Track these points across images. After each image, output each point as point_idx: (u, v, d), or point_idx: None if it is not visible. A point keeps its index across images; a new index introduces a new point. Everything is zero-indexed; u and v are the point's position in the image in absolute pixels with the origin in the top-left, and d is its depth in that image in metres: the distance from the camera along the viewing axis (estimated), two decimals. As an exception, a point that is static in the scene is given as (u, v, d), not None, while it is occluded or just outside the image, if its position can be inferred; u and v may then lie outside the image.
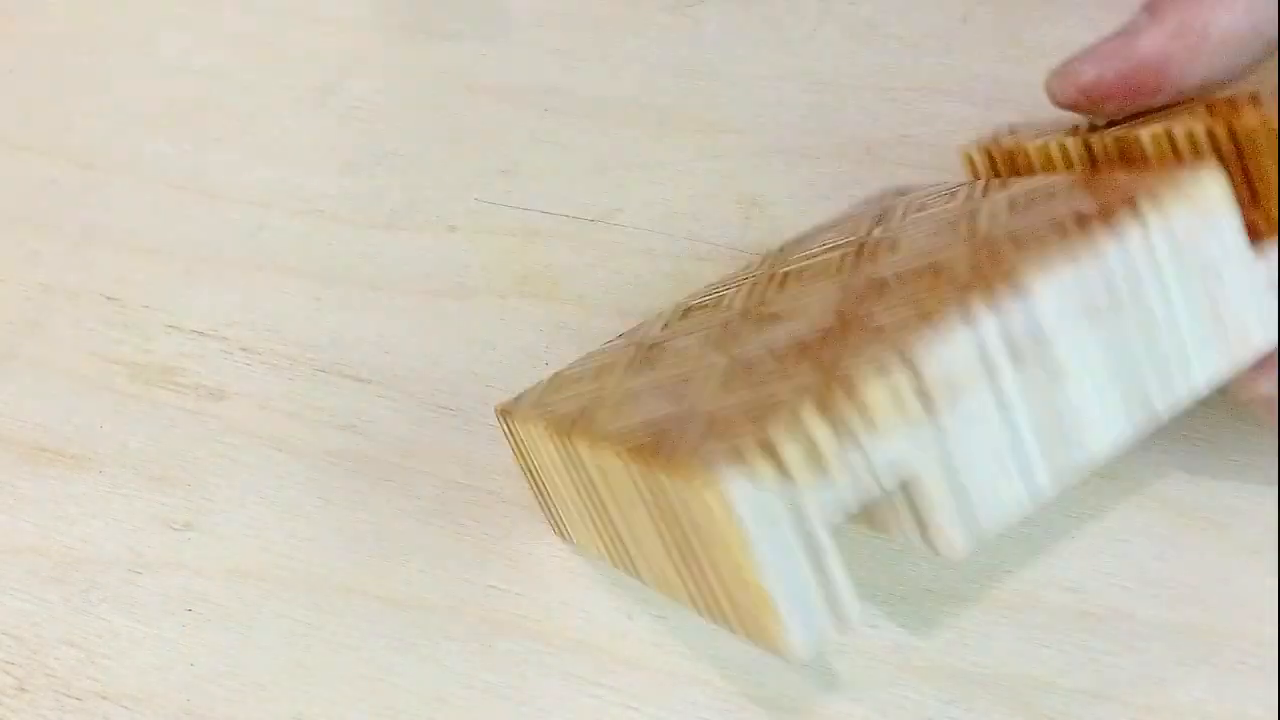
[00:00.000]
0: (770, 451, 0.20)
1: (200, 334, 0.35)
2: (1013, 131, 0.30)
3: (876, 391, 0.21)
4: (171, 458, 0.34)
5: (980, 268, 0.23)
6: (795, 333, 0.25)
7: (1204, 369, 0.24)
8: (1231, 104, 0.24)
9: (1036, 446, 0.23)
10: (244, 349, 0.35)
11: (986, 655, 0.28)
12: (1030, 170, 0.29)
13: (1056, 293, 0.22)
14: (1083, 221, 0.23)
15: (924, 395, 0.21)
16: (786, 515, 0.21)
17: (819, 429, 0.21)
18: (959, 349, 0.22)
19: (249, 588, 0.31)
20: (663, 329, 0.29)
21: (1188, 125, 0.25)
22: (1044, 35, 0.40)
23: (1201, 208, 0.23)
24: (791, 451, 0.20)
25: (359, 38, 0.39)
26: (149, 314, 0.36)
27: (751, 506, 0.20)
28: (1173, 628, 0.28)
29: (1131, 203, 0.23)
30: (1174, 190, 0.23)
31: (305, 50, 0.39)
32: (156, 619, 0.31)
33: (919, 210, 0.29)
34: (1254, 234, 0.24)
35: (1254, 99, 0.24)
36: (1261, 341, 0.24)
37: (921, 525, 0.22)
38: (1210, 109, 0.25)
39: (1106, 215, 0.23)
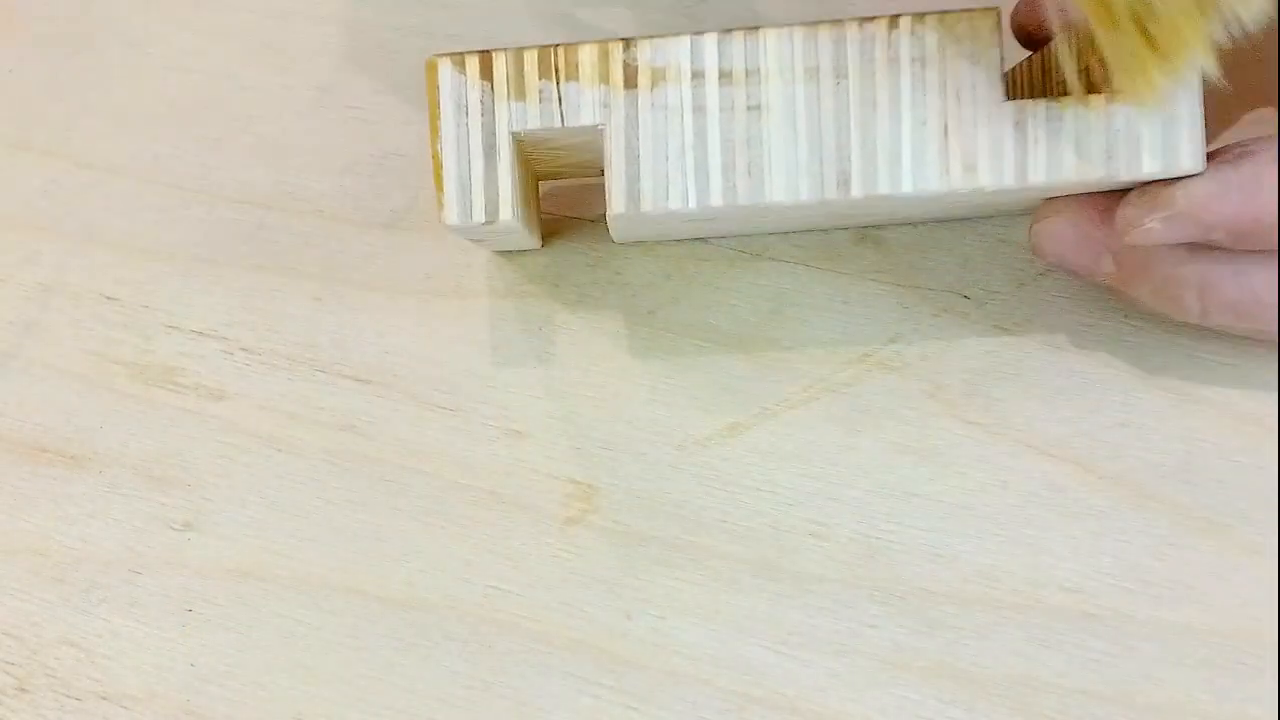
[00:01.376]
0: (486, 61, 0.27)
1: (200, 334, 0.35)
2: None
3: (589, 51, 0.26)
4: (171, 458, 0.34)
5: None
6: None
7: (916, 176, 0.26)
8: None
9: (719, 161, 0.26)
10: (244, 349, 0.35)
11: (986, 655, 0.28)
12: None
13: (781, 42, 0.26)
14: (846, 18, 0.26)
15: (629, 68, 0.26)
16: (479, 110, 0.27)
17: (531, 60, 0.26)
18: (675, 46, 0.26)
19: (249, 588, 0.31)
20: None
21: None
22: (1044, 35, 0.40)
23: (960, 34, 0.25)
24: (500, 65, 0.26)
25: (359, 38, 0.39)
26: (149, 314, 0.36)
27: (450, 89, 0.27)
28: (1173, 628, 0.28)
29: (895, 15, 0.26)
30: (939, 14, 0.26)
31: (305, 50, 0.39)
32: (156, 619, 0.31)
33: None
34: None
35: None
36: (989, 180, 0.25)
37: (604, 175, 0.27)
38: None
39: (869, 18, 0.26)
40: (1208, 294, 0.27)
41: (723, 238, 0.33)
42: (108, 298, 0.36)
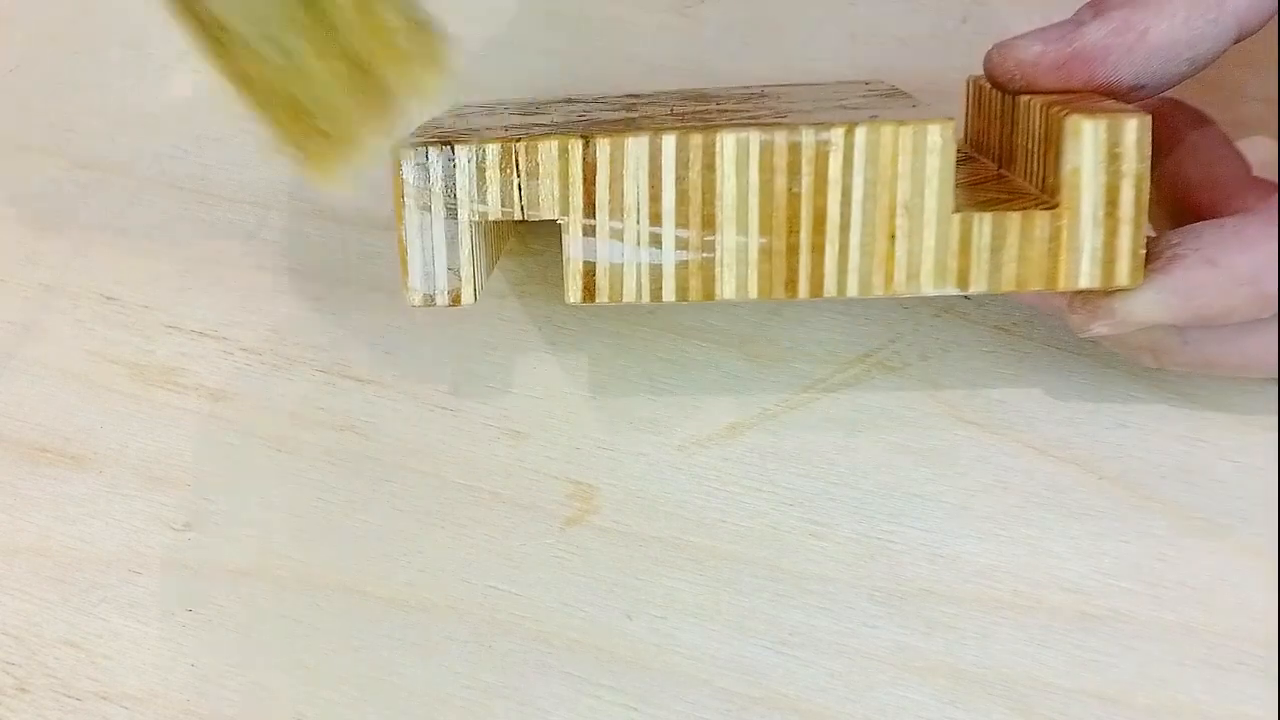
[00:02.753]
0: (449, 153, 0.27)
1: (200, 334, 0.35)
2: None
3: (549, 147, 0.26)
4: (171, 458, 0.34)
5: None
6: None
7: (861, 282, 0.26)
8: (1109, 112, 0.26)
9: (673, 260, 0.27)
10: (244, 349, 0.35)
11: (986, 655, 0.28)
12: None
13: (738, 146, 0.26)
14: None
15: (589, 165, 0.26)
16: (441, 201, 0.27)
17: (493, 154, 0.27)
18: (633, 145, 0.26)
19: (249, 588, 0.31)
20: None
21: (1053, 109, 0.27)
22: (1044, 35, 0.40)
23: (915, 145, 0.25)
24: (462, 157, 0.27)
25: (359, 38, 0.39)
26: (149, 314, 0.36)
27: (414, 180, 0.27)
28: (1173, 628, 0.28)
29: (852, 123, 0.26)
30: (897, 123, 0.26)
31: (305, 50, 0.39)
32: (156, 619, 0.31)
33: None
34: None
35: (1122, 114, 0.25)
36: (931, 289, 0.26)
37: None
38: (1092, 110, 0.26)
39: (826, 125, 0.26)
40: (1161, 356, 0.28)
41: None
42: (108, 298, 0.36)
